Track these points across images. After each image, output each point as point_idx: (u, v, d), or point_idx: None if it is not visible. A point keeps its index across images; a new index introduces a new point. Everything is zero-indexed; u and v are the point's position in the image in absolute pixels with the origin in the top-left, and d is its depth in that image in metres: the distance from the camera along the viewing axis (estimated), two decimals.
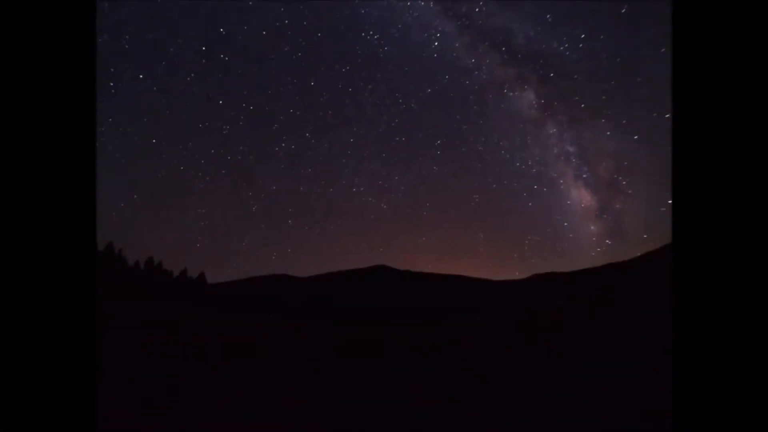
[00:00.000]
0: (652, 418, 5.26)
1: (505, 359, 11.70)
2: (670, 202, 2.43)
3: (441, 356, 13.50)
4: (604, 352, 10.48)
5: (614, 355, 9.93)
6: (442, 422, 5.78)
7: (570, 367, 9.31)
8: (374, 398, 7.34)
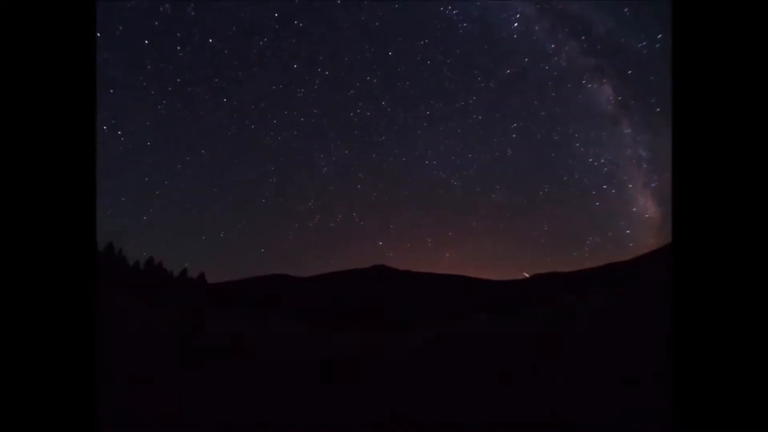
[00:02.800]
0: (652, 419, 5.26)
1: (505, 359, 11.69)
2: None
3: (441, 356, 13.50)
4: (604, 353, 10.48)
5: (614, 355, 9.93)
6: (442, 422, 5.78)
7: (570, 367, 9.31)
8: (374, 398, 7.34)
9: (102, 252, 49.86)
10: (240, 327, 26.00)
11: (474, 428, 5.49)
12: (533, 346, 13.57)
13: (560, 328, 17.35)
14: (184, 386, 7.88)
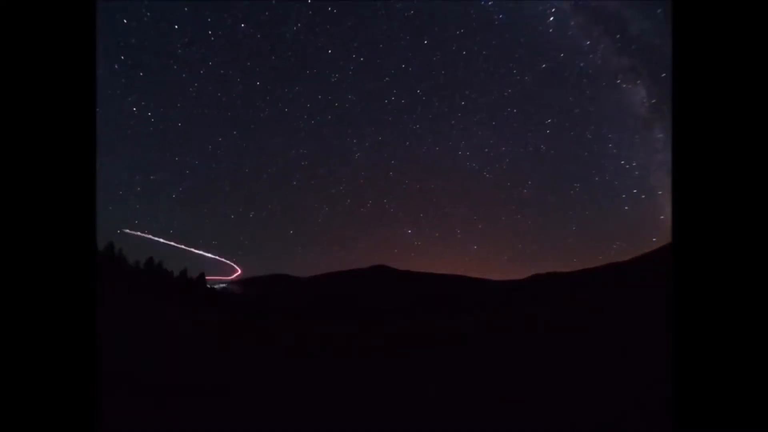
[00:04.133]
0: (652, 419, 5.26)
1: (505, 359, 11.69)
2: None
3: (441, 356, 13.50)
4: (604, 353, 10.48)
5: (614, 355, 9.93)
6: (442, 422, 5.78)
7: (570, 368, 9.31)
8: (374, 398, 7.33)
9: (102, 252, 49.88)
10: (240, 327, 26.00)
11: (474, 428, 5.49)
12: (533, 346, 13.57)
13: (560, 328, 17.35)
14: (184, 386, 7.88)
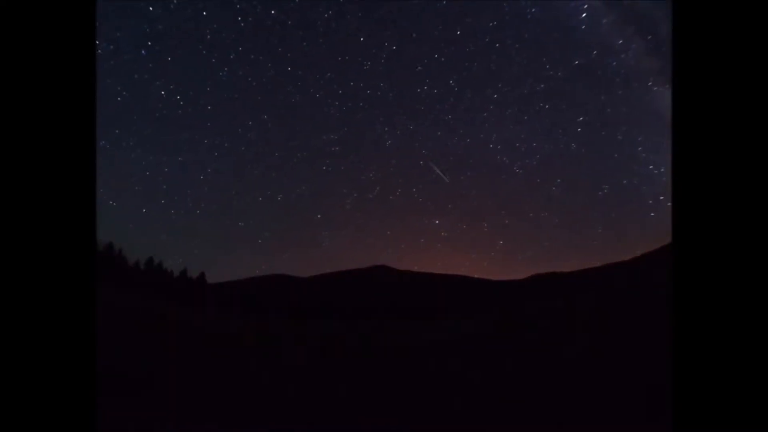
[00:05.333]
0: (652, 418, 5.26)
1: (505, 359, 11.69)
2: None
3: (441, 356, 13.50)
4: (604, 353, 10.48)
5: (614, 355, 9.93)
6: (442, 421, 5.77)
7: (569, 367, 9.31)
8: (374, 398, 7.33)
9: (102, 252, 49.91)
10: (240, 327, 25.98)
11: (474, 428, 5.49)
12: (533, 346, 13.57)
13: (560, 328, 17.34)
14: (184, 386, 7.88)
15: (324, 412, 6.39)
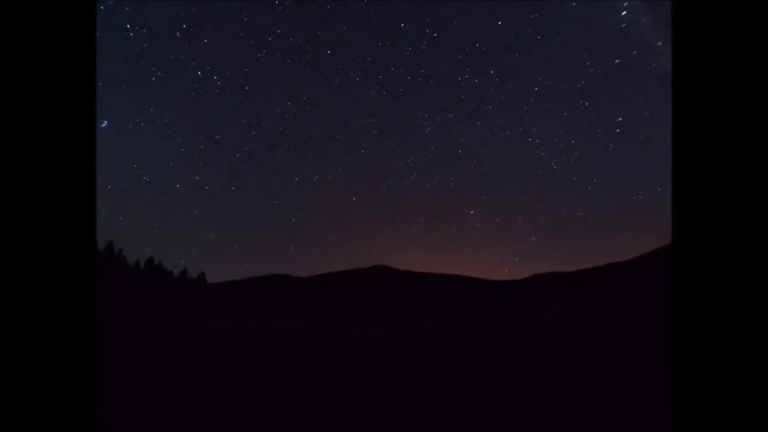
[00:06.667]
0: (653, 419, 5.26)
1: (505, 359, 11.69)
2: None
3: (441, 356, 13.49)
4: (604, 352, 10.47)
5: (613, 355, 9.93)
6: (442, 421, 5.77)
7: (569, 367, 9.30)
8: (374, 398, 7.33)
9: (102, 252, 49.91)
10: (240, 327, 25.96)
11: (474, 428, 5.49)
12: (533, 346, 13.56)
13: (560, 328, 17.34)
14: (184, 386, 7.87)
15: (324, 412, 6.39)
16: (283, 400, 7.13)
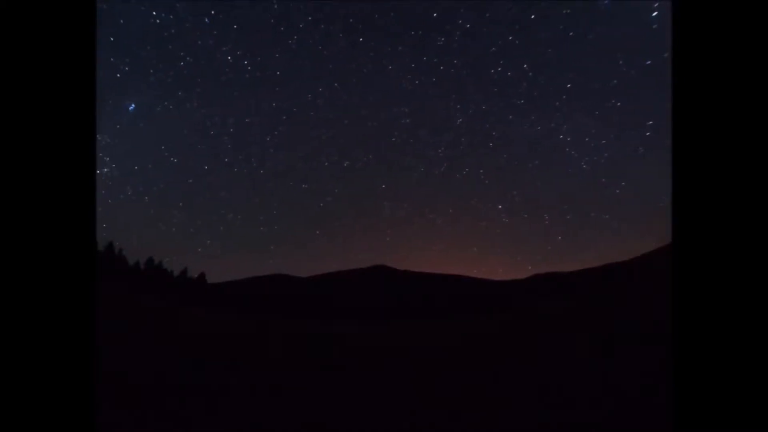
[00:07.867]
0: (653, 419, 5.27)
1: (505, 359, 11.70)
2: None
3: (441, 355, 13.50)
4: (603, 353, 10.48)
5: (614, 355, 9.94)
6: (442, 422, 5.78)
7: (569, 367, 9.31)
8: (374, 398, 7.34)
9: (102, 252, 49.97)
10: (240, 327, 26.00)
11: (474, 428, 5.49)
12: (532, 346, 13.58)
13: (560, 328, 17.36)
14: (184, 386, 7.88)
15: (324, 412, 6.39)
16: (283, 400, 7.14)
